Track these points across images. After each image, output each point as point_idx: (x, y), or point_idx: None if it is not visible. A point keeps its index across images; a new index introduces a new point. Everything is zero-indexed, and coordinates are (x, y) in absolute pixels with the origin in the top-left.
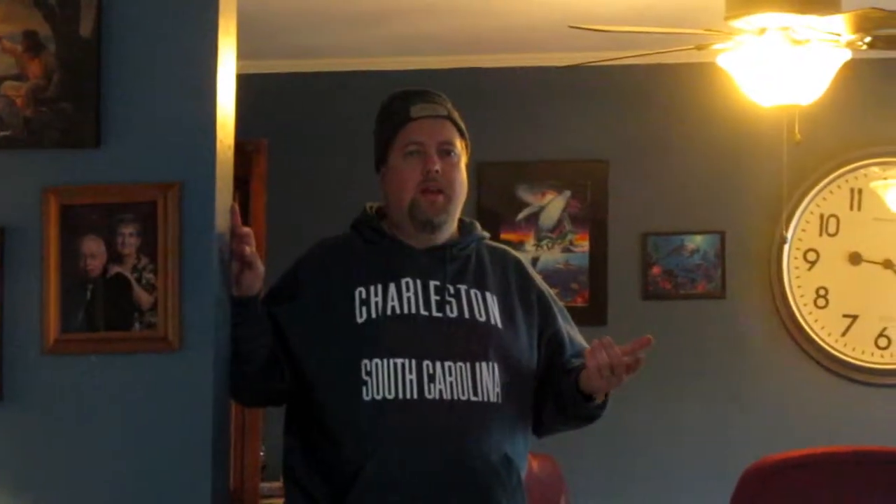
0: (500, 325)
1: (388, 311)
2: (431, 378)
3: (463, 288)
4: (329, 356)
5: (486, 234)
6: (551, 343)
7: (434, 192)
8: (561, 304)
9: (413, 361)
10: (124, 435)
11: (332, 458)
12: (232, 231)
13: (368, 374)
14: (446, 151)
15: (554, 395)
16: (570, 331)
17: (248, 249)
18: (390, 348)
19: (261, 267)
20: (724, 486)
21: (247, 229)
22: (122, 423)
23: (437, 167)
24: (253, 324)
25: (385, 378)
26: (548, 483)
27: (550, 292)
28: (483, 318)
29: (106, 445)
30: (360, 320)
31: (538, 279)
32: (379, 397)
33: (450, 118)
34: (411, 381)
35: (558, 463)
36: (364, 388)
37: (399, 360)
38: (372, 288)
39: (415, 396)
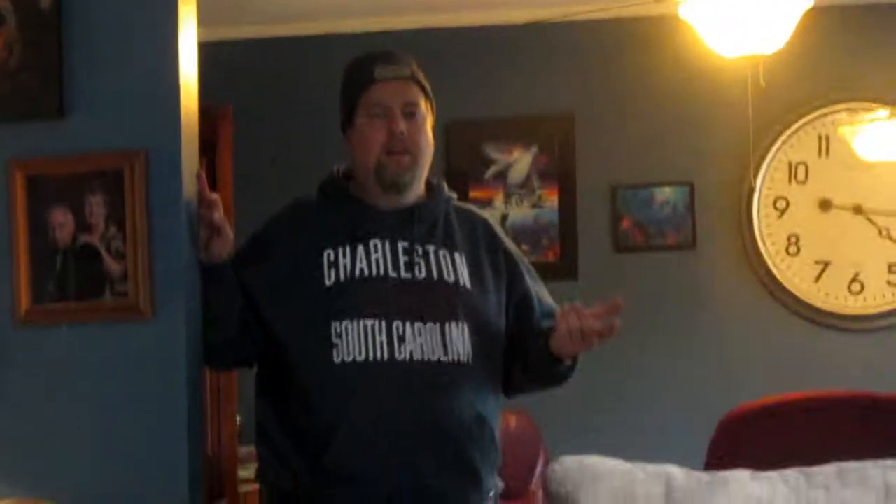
0: (469, 285)
1: (357, 273)
2: (402, 339)
3: (431, 248)
4: (298, 319)
5: (454, 195)
6: (520, 304)
7: (399, 152)
8: (528, 263)
9: (383, 322)
10: (100, 404)
11: (304, 420)
12: (199, 197)
13: (339, 336)
14: (411, 113)
15: (523, 355)
16: (539, 290)
17: (216, 215)
18: (359, 310)
19: (230, 233)
20: (699, 432)
21: (214, 195)
22: (96, 392)
23: (402, 128)
24: (223, 289)
25: (355, 340)
26: (525, 439)
27: (519, 252)
28: (452, 279)
29: (82, 414)
30: (328, 283)
31: (506, 239)
32: (349, 359)
33: (413, 79)
34: (381, 342)
35: (534, 419)
36: (334, 351)
37: (369, 322)
38: (340, 250)
39: (385, 358)
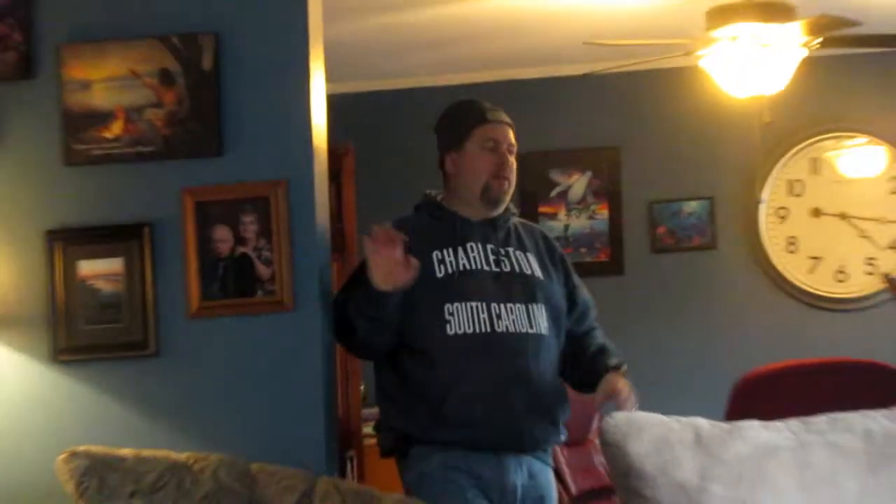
0: (541, 276)
1: (461, 268)
2: (499, 316)
3: (510, 250)
4: (419, 303)
5: (517, 212)
6: (570, 295)
7: (504, 178)
8: (571, 263)
9: (484, 304)
10: (254, 377)
11: (427, 380)
12: (379, 236)
13: (451, 314)
14: (510, 151)
15: (574, 360)
16: (579, 284)
17: (398, 252)
18: (466, 295)
19: (415, 263)
20: (720, 393)
21: (392, 233)
22: (252, 367)
23: (509, 162)
24: (394, 309)
25: (464, 317)
26: (585, 399)
27: (564, 255)
28: (529, 272)
29: (241, 385)
30: (439, 275)
31: (557, 245)
32: (460, 332)
33: (512, 126)
34: (484, 318)
35: None
36: (448, 326)
37: (473, 304)
38: (444, 251)
39: (488, 330)
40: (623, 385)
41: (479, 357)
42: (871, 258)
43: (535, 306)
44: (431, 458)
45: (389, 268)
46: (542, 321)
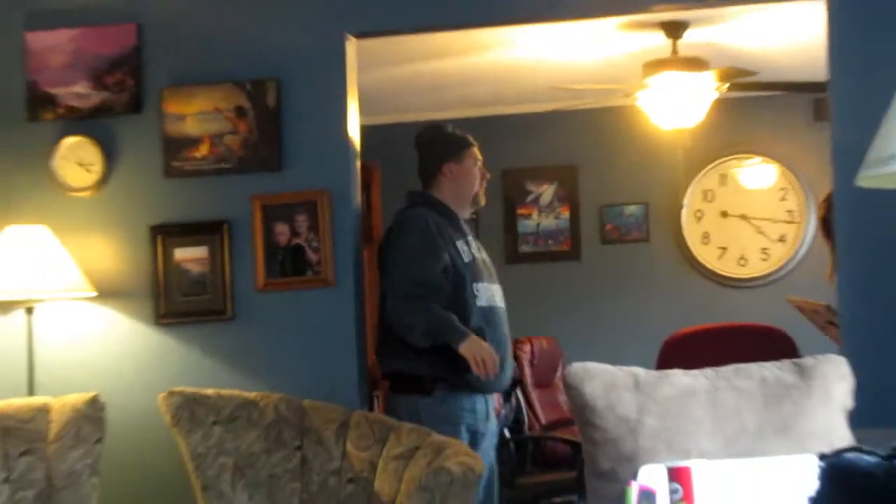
0: (490, 261)
1: (472, 255)
2: (494, 294)
3: (476, 241)
4: (461, 282)
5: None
6: None
7: (484, 188)
8: None
9: (486, 284)
10: (305, 337)
11: None
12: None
13: (477, 291)
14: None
15: None
16: None
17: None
18: (480, 277)
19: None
20: (651, 350)
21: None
22: (303, 329)
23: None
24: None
25: (483, 294)
26: (553, 353)
27: None
28: (488, 259)
29: (294, 343)
30: (466, 260)
31: None
32: (483, 305)
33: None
34: (491, 295)
35: (558, 342)
36: (475, 300)
37: (484, 284)
38: (460, 241)
39: (494, 305)
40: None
41: (490, 325)
42: (764, 248)
43: (498, 286)
44: (448, 396)
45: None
46: (502, 297)
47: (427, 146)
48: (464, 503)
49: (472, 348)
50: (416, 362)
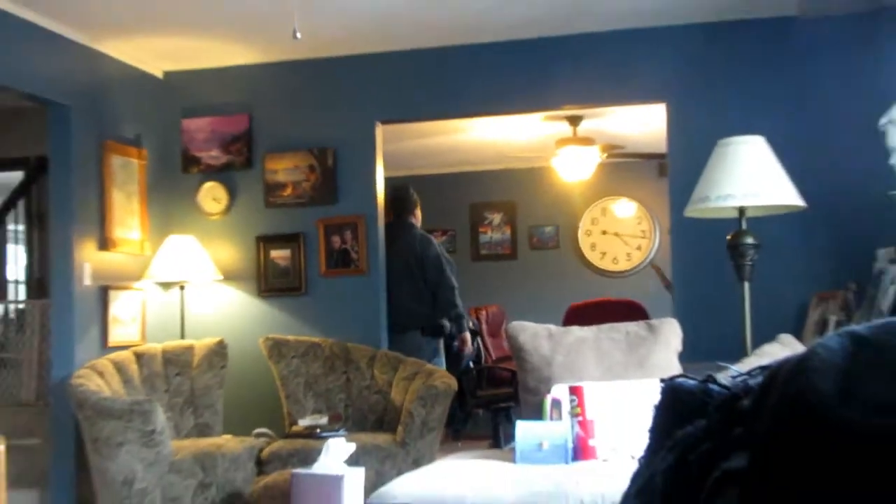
0: None
1: None
2: None
3: None
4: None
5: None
6: None
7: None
8: None
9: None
10: (350, 304)
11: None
12: None
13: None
14: None
15: None
16: None
17: None
18: None
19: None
20: (559, 314)
21: None
22: (348, 300)
23: None
24: None
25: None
26: (499, 315)
27: None
28: None
29: (344, 308)
30: None
31: None
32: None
33: None
34: None
35: (503, 307)
36: None
37: None
38: None
39: None
40: None
41: None
42: (628, 253)
43: None
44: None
45: None
46: None
47: (405, 199)
48: (444, 406)
49: (466, 333)
50: (435, 321)
